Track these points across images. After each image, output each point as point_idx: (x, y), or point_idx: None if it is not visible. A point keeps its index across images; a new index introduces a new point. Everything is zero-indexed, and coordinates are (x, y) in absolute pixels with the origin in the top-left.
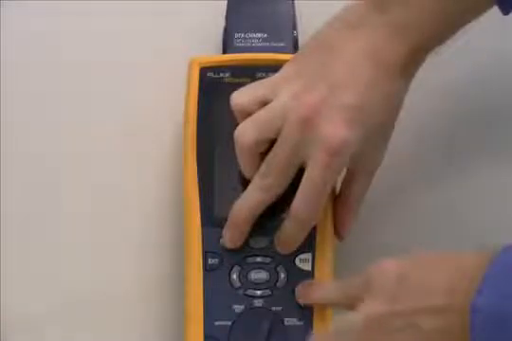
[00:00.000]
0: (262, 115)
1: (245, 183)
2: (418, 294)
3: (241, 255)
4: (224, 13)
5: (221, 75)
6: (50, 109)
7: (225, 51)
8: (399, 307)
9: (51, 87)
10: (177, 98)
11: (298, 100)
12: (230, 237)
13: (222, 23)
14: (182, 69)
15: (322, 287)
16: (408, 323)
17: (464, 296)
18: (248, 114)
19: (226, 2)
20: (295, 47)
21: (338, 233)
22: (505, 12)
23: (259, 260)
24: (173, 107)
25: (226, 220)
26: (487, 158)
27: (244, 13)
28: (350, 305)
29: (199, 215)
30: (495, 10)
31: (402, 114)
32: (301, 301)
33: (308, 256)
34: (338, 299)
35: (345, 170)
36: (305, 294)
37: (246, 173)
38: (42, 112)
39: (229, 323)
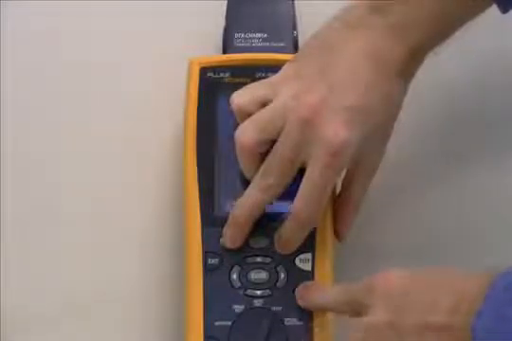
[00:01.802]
0: (262, 115)
1: (245, 183)
2: (421, 309)
3: (241, 255)
4: (224, 13)
5: (221, 75)
6: (50, 109)
7: (225, 51)
8: (402, 319)
9: (51, 87)
10: (177, 98)
11: (298, 101)
12: (230, 237)
13: (222, 23)
14: (182, 69)
15: (323, 290)
16: (410, 337)
17: (465, 315)
18: (249, 114)
19: (226, 2)
20: (295, 47)
21: (337, 233)
22: (504, 11)
23: (259, 260)
24: (173, 107)
25: (226, 220)
26: (487, 158)
27: (244, 13)
28: (353, 311)
29: (199, 215)
30: (494, 10)
31: (402, 114)
32: (301, 303)
33: (308, 256)
34: (339, 304)
35: (345, 170)
36: (305, 295)
37: (247, 174)
38: (42, 112)
39: (229, 323)
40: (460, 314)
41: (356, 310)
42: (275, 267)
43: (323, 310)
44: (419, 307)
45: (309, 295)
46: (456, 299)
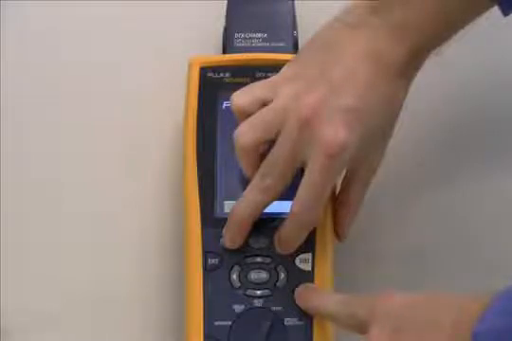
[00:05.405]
0: (261, 115)
1: (245, 183)
2: (421, 330)
3: (241, 255)
4: (224, 13)
5: (221, 75)
6: (50, 109)
7: (225, 51)
8: (402, 340)
9: (51, 87)
10: (177, 97)
11: (298, 101)
12: (230, 237)
13: (222, 23)
14: (182, 69)
15: (322, 298)
16: None
17: (465, 335)
18: (248, 114)
19: (226, 2)
20: (295, 47)
21: (337, 234)
22: (506, 13)
23: (259, 260)
24: (173, 107)
25: (226, 220)
26: (488, 159)
27: (244, 13)
28: (351, 325)
29: (199, 215)
30: (495, 10)
31: (402, 114)
32: (300, 305)
33: (308, 256)
34: (339, 315)
35: (345, 170)
36: (305, 298)
37: (247, 174)
38: (42, 112)
39: (229, 323)
40: (460, 333)
41: (356, 326)
42: (275, 267)
43: (322, 316)
44: (419, 328)
45: (309, 298)
46: (458, 319)
